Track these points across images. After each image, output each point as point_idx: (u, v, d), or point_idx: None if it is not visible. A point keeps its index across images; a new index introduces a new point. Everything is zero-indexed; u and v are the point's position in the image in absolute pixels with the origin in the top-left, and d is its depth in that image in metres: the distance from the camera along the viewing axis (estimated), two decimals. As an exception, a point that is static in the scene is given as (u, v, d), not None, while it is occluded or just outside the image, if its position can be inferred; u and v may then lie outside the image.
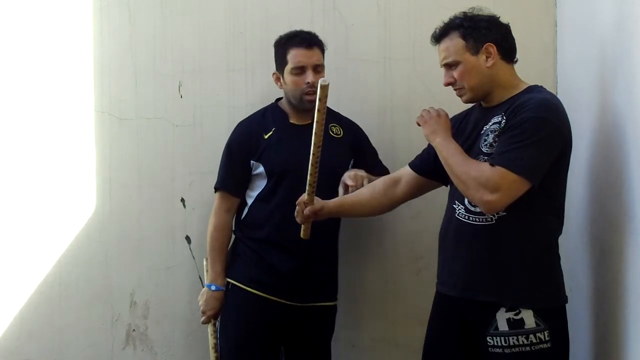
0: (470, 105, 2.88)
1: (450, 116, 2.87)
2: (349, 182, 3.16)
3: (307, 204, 3.00)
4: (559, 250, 2.75)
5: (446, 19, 2.80)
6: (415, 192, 3.05)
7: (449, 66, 2.76)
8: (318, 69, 3.30)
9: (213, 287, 3.37)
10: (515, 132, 2.58)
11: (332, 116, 3.36)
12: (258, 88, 3.66)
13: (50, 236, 3.71)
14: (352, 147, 3.42)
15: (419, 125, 2.85)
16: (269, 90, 3.60)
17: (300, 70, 3.28)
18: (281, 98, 3.44)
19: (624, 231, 2.59)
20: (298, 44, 3.28)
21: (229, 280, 3.37)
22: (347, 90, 3.63)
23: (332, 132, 3.37)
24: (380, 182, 3.07)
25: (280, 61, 3.34)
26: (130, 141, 3.71)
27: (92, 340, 3.72)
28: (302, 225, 3.08)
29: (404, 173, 3.02)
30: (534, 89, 2.73)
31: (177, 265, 3.71)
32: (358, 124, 3.51)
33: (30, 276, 3.70)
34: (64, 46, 3.71)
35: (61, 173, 3.71)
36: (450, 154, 2.69)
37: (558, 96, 3.46)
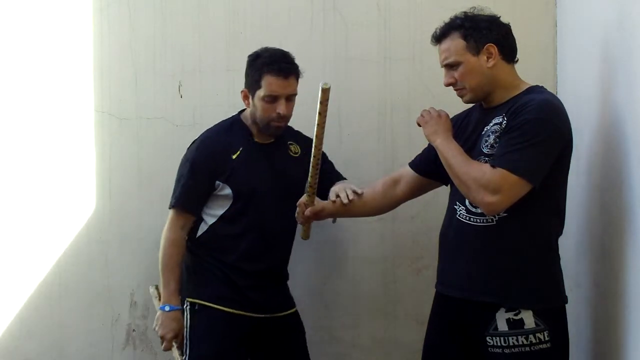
0: (470, 105, 2.88)
1: (451, 116, 2.86)
2: (332, 197, 3.09)
3: (307, 205, 3.00)
4: (559, 251, 2.75)
5: (446, 19, 2.80)
6: (416, 191, 3.05)
7: (449, 66, 2.75)
8: (291, 98, 3.18)
9: (167, 308, 3.22)
10: (516, 134, 2.58)
11: (290, 134, 3.33)
12: (258, 88, 3.66)
13: (50, 236, 3.70)
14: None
15: (419, 125, 2.85)
16: (269, 90, 3.60)
17: (273, 99, 3.13)
18: (244, 110, 3.32)
19: (624, 231, 2.59)
20: (276, 73, 3.12)
21: (196, 301, 3.21)
22: (347, 90, 3.63)
23: (291, 150, 3.31)
24: (380, 182, 3.07)
25: (253, 83, 3.18)
26: (130, 141, 3.70)
27: (92, 340, 3.71)
28: (302, 227, 3.08)
29: (404, 173, 3.02)
30: (534, 90, 2.72)
31: (177, 265, 3.70)
32: (358, 123, 3.51)
33: (30, 276, 3.70)
34: (64, 46, 3.70)
35: (61, 173, 3.71)
36: (451, 155, 2.69)
37: (558, 96, 3.46)
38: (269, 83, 3.13)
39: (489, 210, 2.61)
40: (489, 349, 2.66)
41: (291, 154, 3.31)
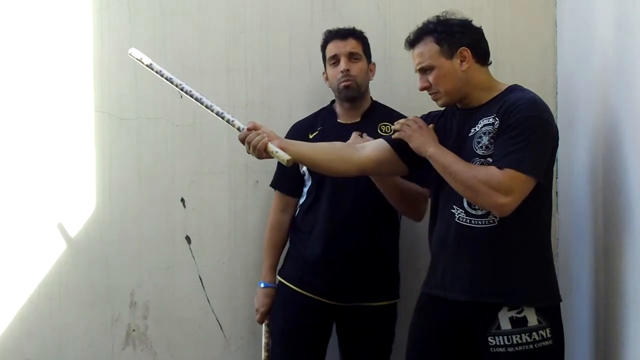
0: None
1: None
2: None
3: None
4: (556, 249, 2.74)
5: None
6: (375, 164, 2.87)
7: (423, 71, 2.77)
8: (354, 57, 3.29)
9: (262, 284, 3.41)
10: (515, 133, 2.59)
11: (384, 114, 3.33)
12: (258, 88, 3.66)
13: (50, 236, 3.70)
14: None
15: (400, 139, 2.82)
16: (269, 90, 3.61)
17: (335, 60, 3.28)
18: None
19: (624, 231, 2.59)
20: (333, 37, 3.32)
21: (278, 278, 3.39)
22: (347, 90, 3.63)
23: (382, 131, 3.26)
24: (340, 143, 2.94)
25: (323, 59, 3.36)
26: (130, 141, 3.70)
27: (92, 340, 3.72)
28: None
29: (373, 141, 2.94)
30: (516, 88, 2.74)
31: (177, 265, 3.71)
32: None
33: (30, 276, 3.70)
34: (64, 46, 3.71)
35: (61, 173, 3.71)
36: (450, 162, 2.68)
37: (558, 96, 3.48)
38: (329, 48, 3.32)
39: (502, 212, 2.60)
40: (491, 349, 2.65)
41: (381, 134, 3.22)
